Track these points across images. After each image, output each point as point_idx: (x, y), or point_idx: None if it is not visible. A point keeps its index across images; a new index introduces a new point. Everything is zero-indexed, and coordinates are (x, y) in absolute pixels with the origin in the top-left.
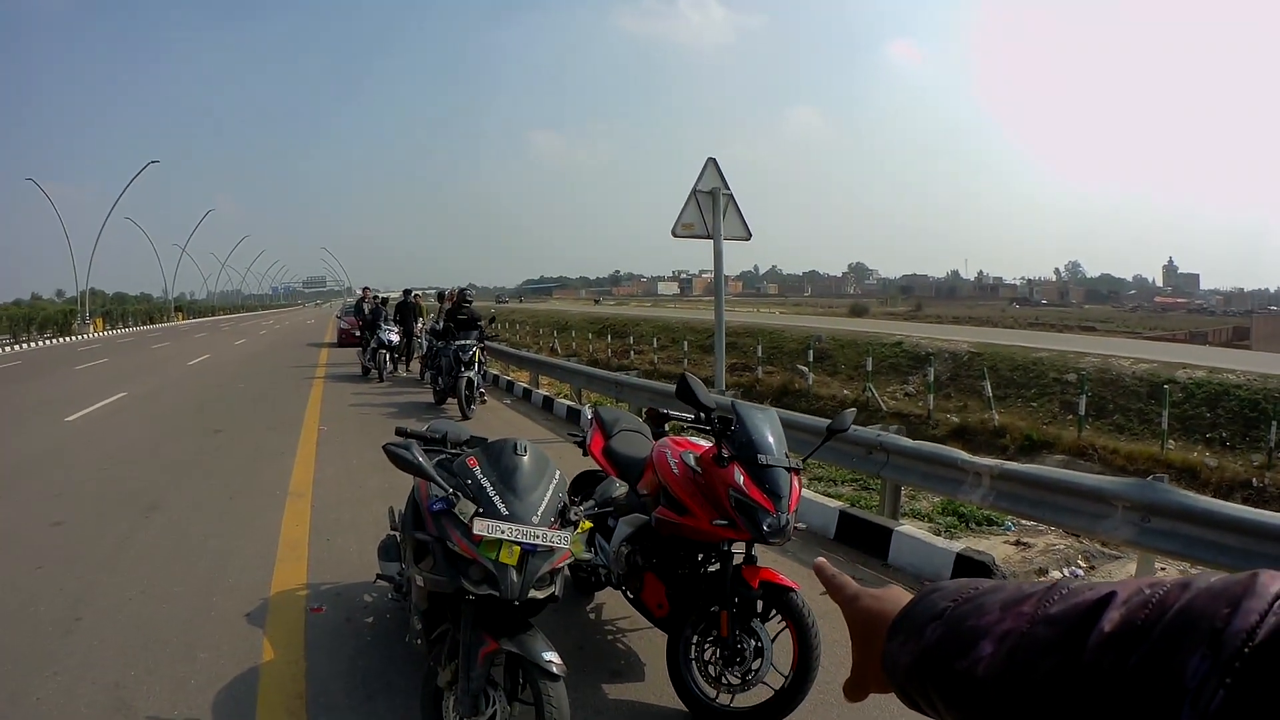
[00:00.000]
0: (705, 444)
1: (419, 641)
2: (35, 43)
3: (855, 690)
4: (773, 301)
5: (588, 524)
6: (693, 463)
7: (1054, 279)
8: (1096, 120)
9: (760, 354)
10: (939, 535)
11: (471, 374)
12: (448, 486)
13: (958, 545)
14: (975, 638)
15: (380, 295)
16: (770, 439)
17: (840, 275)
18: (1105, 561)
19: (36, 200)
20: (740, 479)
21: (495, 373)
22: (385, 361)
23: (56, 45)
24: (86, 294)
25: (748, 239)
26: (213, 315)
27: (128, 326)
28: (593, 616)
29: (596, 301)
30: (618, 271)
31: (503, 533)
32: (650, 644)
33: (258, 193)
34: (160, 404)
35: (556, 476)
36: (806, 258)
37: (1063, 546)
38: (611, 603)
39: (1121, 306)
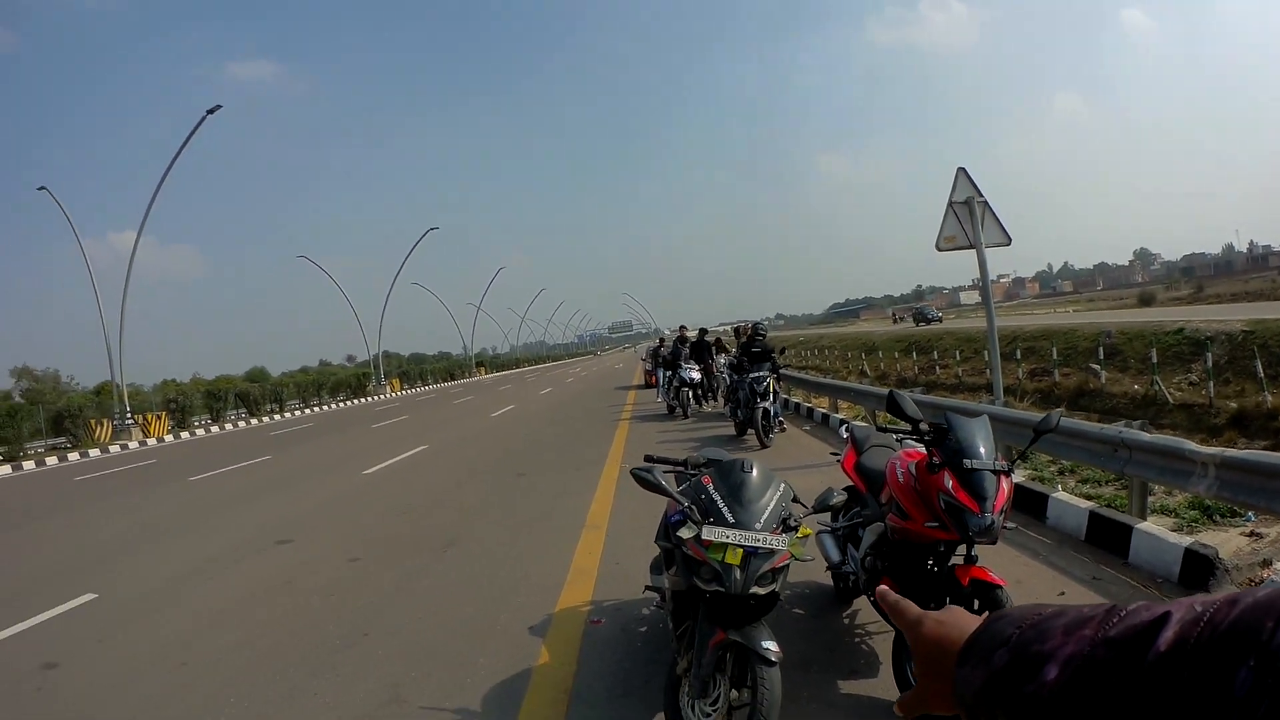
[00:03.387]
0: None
1: (674, 641)
2: (293, 127)
3: (911, 707)
4: (1067, 299)
5: (808, 530)
6: (912, 470)
7: None
8: None
9: (1055, 356)
10: (1179, 531)
11: (767, 404)
12: (684, 501)
13: (1186, 540)
14: (1041, 662)
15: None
16: (980, 445)
17: (1127, 263)
18: None
19: (315, 274)
20: (949, 483)
21: (798, 400)
22: (688, 399)
23: (311, 131)
24: (379, 356)
25: (1008, 244)
26: (516, 368)
27: (426, 385)
28: (847, 622)
29: (897, 320)
30: (919, 286)
31: (727, 537)
32: (890, 645)
33: (550, 245)
34: (462, 454)
35: (781, 489)
36: (1095, 249)
37: None
38: (867, 609)
39: None
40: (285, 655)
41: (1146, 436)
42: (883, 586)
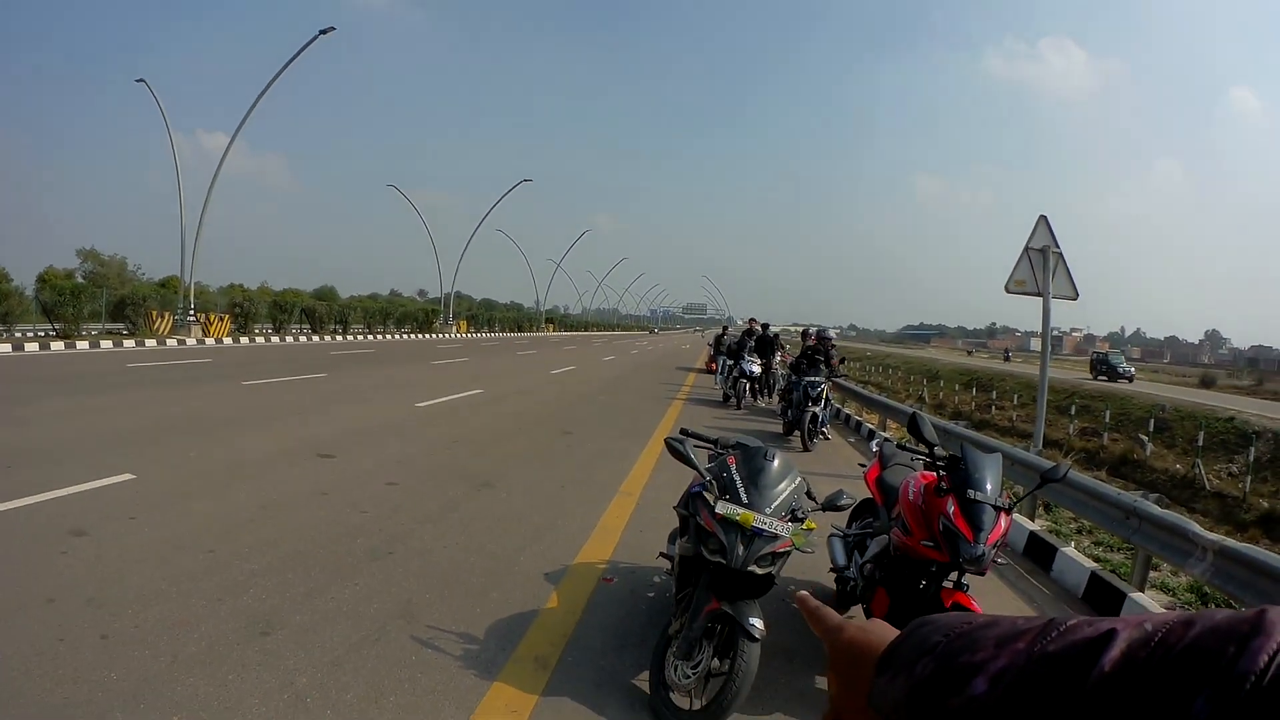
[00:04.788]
0: None
1: (674, 605)
2: (402, 57)
3: None
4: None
5: (813, 524)
6: (922, 490)
7: None
8: None
9: (1108, 420)
10: (1169, 610)
11: (817, 409)
12: (706, 475)
13: None
14: (969, 675)
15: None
16: (987, 480)
17: (1196, 342)
18: None
19: (399, 203)
20: (951, 509)
21: (849, 413)
22: (744, 390)
23: (422, 61)
24: (451, 296)
25: (1075, 299)
26: (585, 331)
27: (493, 331)
28: None
29: (969, 353)
30: (994, 324)
31: (737, 515)
32: None
33: (636, 215)
34: (515, 404)
35: (796, 481)
36: (1169, 322)
37: None
38: (860, 615)
39: None
40: (310, 558)
41: (1157, 510)
42: (803, 592)
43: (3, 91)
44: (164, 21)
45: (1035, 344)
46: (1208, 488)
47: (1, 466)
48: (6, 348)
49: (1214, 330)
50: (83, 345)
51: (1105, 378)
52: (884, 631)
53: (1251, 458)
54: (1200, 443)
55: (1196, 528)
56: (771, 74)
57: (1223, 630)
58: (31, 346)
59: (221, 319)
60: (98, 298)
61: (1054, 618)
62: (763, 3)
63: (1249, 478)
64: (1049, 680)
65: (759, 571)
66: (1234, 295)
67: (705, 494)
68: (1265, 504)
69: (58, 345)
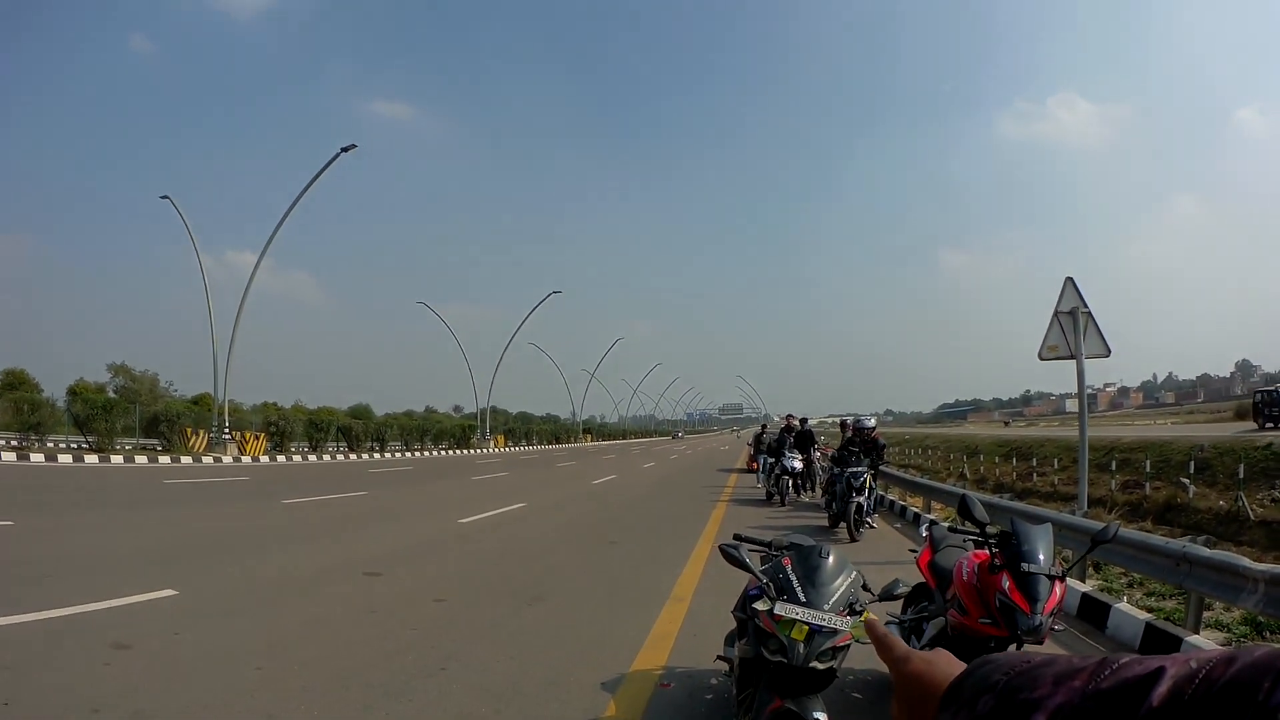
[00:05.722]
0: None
1: (735, 707)
2: (423, 170)
3: None
4: (1168, 411)
5: (870, 614)
6: (976, 569)
7: None
8: None
9: (1148, 469)
10: (1225, 646)
11: (861, 499)
12: (763, 578)
13: None
14: (1028, 711)
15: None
16: (1039, 551)
17: (1228, 375)
18: None
19: (430, 319)
20: (1006, 584)
21: (892, 498)
22: (787, 486)
23: (445, 173)
24: (487, 411)
25: (1107, 355)
26: (623, 439)
27: (531, 444)
28: None
29: (1006, 424)
30: (1028, 391)
31: (796, 614)
32: None
33: (668, 319)
34: (559, 516)
35: (852, 576)
36: (1200, 360)
37: None
38: None
39: None
40: (362, 676)
41: (1206, 552)
42: (872, 616)
43: (30, 205)
44: (187, 138)
45: (1071, 405)
46: (1252, 518)
47: (39, 576)
48: (40, 457)
49: (1244, 360)
50: (117, 459)
51: (1275, 424)
52: (948, 663)
53: None
54: (1241, 475)
55: (1246, 562)
56: (790, 166)
57: (1260, 666)
58: (65, 458)
59: (257, 437)
60: (130, 413)
61: (1108, 656)
62: (781, 96)
63: None
64: (1102, 715)
65: (820, 667)
66: (1260, 320)
67: (764, 596)
68: None
69: (92, 458)
